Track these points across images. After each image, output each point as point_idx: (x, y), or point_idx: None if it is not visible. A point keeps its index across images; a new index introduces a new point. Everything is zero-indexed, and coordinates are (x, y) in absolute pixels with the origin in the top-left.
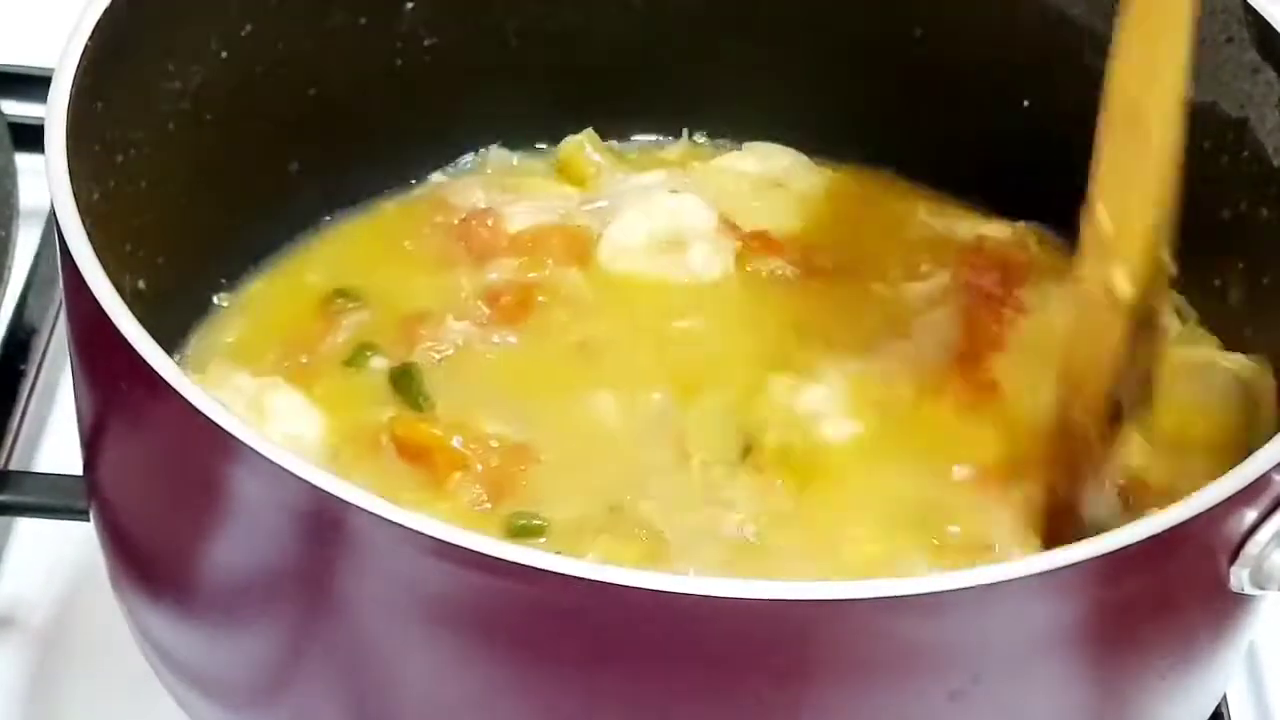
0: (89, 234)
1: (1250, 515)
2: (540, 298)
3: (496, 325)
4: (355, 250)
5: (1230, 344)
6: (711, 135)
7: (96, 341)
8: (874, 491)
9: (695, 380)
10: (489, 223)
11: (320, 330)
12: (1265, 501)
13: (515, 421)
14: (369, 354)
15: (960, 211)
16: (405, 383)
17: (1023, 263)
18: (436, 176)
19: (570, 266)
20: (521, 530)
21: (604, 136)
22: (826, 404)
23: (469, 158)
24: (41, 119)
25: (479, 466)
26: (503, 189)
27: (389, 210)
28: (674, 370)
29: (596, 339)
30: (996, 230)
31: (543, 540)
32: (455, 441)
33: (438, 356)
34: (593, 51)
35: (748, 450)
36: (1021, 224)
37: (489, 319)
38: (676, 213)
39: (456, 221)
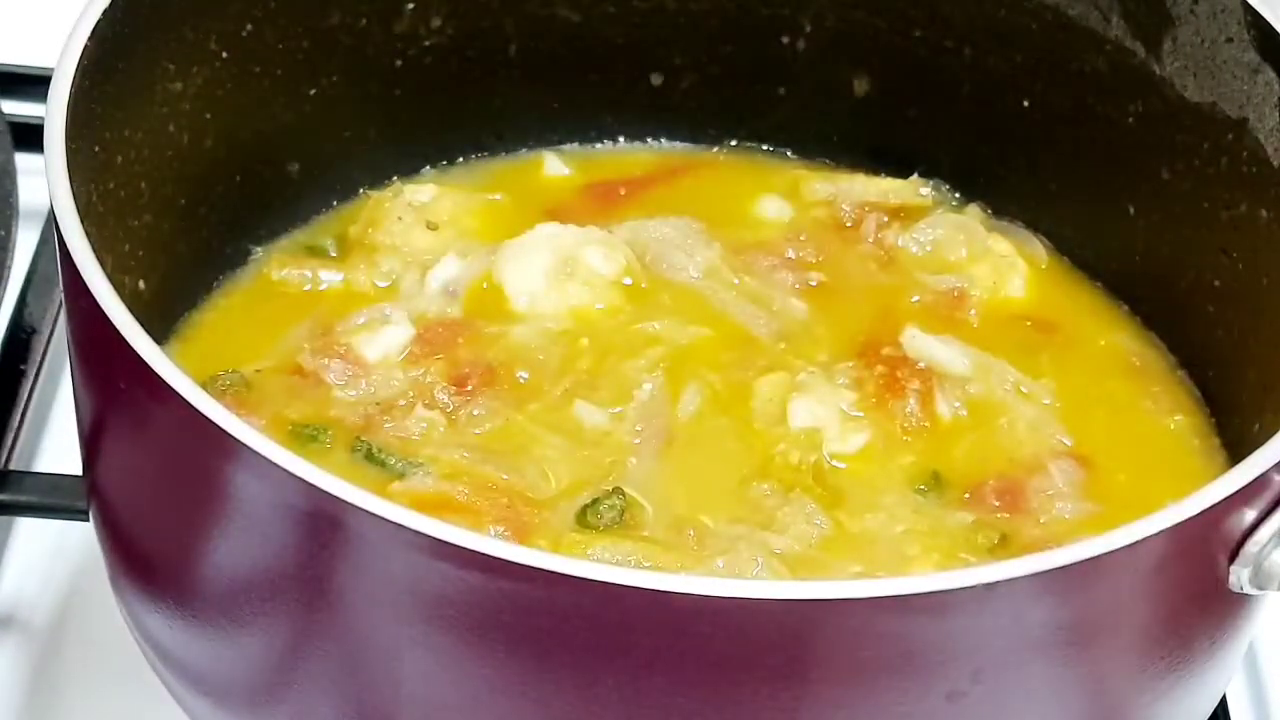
0: (88, 234)
1: (1250, 515)
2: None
3: (463, 404)
4: None
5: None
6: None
7: (96, 341)
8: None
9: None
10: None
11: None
12: (1265, 501)
13: (511, 471)
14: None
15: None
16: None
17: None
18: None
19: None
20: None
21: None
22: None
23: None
24: (41, 119)
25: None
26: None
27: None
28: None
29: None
30: None
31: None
32: (460, 494)
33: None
34: (593, 53)
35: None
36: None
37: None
38: (552, 235)
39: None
